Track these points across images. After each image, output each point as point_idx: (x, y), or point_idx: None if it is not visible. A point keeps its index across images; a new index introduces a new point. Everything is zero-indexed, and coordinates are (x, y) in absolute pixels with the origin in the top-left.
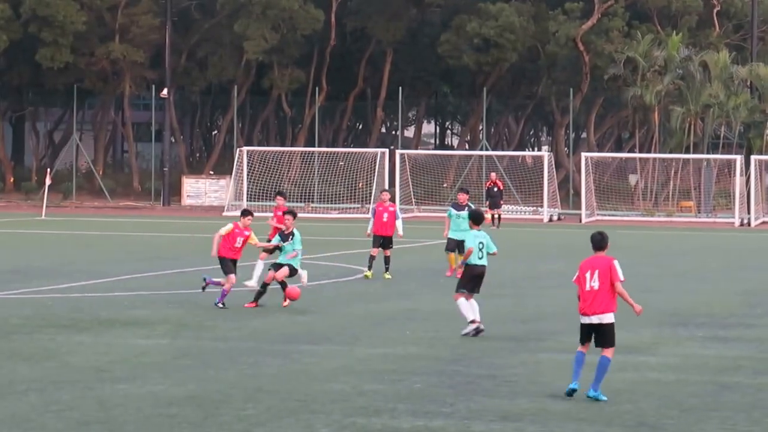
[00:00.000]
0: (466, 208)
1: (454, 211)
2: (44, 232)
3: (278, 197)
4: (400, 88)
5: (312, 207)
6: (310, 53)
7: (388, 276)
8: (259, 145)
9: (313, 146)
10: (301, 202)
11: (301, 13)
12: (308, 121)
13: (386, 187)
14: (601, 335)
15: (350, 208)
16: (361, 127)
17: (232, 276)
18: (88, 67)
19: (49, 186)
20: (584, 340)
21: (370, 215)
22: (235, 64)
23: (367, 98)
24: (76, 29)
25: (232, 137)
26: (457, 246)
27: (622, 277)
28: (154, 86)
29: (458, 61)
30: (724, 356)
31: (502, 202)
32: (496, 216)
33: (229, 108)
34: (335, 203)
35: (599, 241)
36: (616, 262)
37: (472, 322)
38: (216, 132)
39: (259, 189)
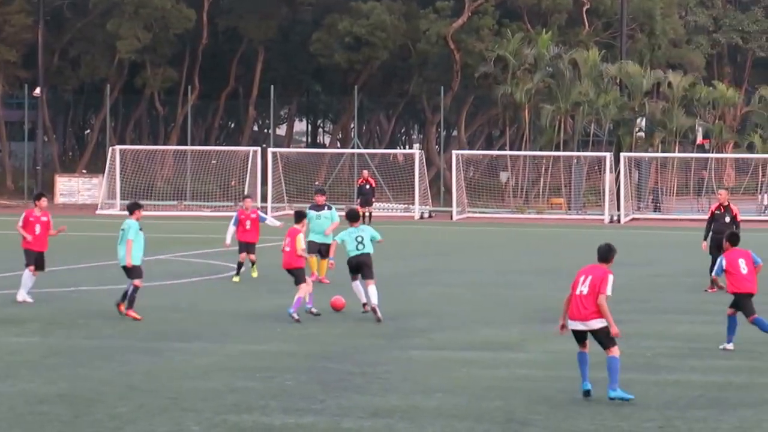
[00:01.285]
0: (325, 208)
1: (313, 213)
2: None
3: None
4: (272, 86)
5: (185, 205)
6: (182, 52)
7: (255, 274)
8: (132, 144)
9: (186, 145)
10: (173, 200)
11: (173, 13)
12: (181, 119)
13: (256, 186)
14: (598, 339)
15: (223, 206)
16: (233, 125)
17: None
18: None
19: None
20: (578, 342)
21: (231, 223)
22: (107, 63)
23: (239, 97)
24: None
25: (104, 136)
26: (319, 249)
27: (609, 292)
28: (27, 85)
29: (330, 59)
30: (593, 352)
31: (374, 200)
32: (368, 213)
33: (102, 107)
34: (208, 201)
35: (605, 252)
36: (610, 276)
37: (364, 305)
38: (89, 131)
39: (132, 187)
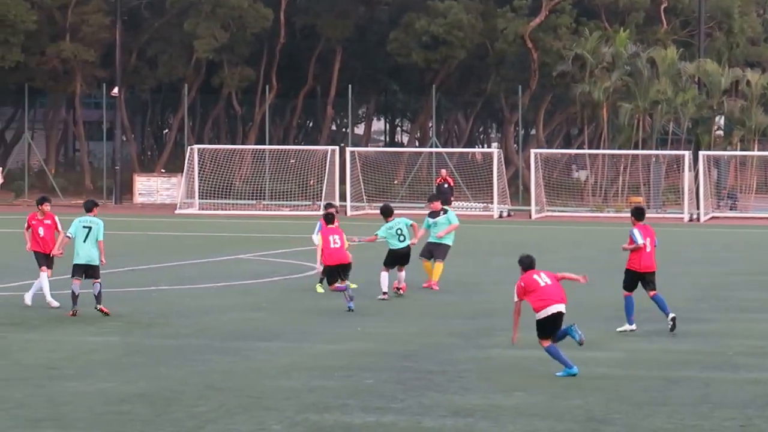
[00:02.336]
0: (441, 213)
1: (430, 219)
2: None
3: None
4: (350, 85)
5: (263, 204)
6: (259, 51)
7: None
8: (210, 143)
9: (264, 144)
10: (252, 199)
11: (250, 12)
12: (258, 118)
13: (334, 185)
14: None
15: (301, 205)
16: (311, 124)
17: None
18: (39, 66)
19: (0, 184)
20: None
21: (316, 241)
22: (185, 62)
23: (317, 96)
24: (26, 28)
25: (183, 135)
26: (430, 251)
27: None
28: (105, 85)
29: (407, 58)
30: (672, 351)
31: (452, 199)
32: None
33: (180, 106)
34: (286, 200)
35: (530, 263)
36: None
37: (384, 293)
38: (167, 130)
39: (210, 187)
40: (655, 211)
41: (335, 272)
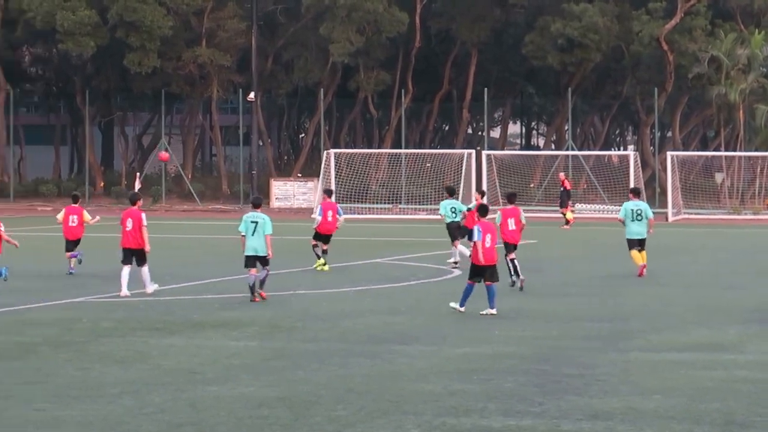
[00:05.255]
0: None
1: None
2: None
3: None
4: (486, 88)
5: (400, 208)
6: (395, 55)
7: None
8: (346, 147)
9: (400, 148)
10: (388, 203)
11: (385, 16)
12: (395, 122)
13: (470, 188)
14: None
15: (438, 209)
16: (447, 128)
17: None
18: (175, 71)
19: (138, 190)
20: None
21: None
22: (320, 66)
23: (453, 99)
24: (162, 34)
25: (319, 140)
26: (639, 242)
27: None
28: (241, 90)
29: (543, 61)
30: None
31: (570, 202)
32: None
33: (316, 110)
34: (423, 204)
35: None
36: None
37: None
38: (303, 134)
39: (347, 190)
40: None
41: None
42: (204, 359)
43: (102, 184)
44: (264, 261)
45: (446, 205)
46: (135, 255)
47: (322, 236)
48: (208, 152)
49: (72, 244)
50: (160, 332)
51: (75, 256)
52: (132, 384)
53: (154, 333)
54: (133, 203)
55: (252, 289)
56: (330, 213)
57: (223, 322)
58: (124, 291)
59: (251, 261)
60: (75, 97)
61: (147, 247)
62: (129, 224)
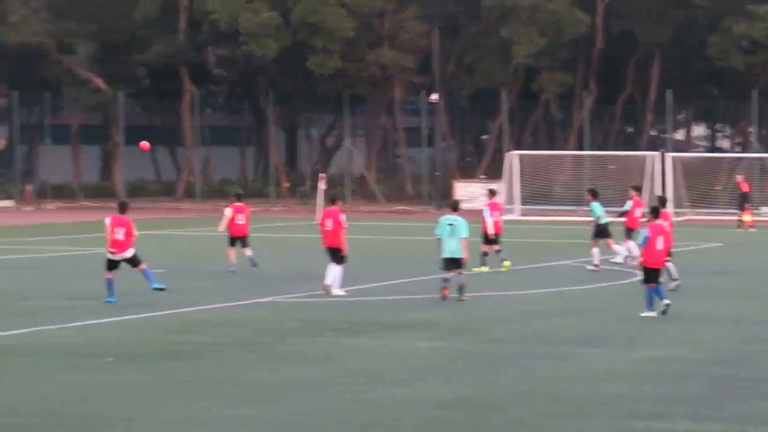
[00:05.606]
0: None
1: None
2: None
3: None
4: (669, 90)
5: (584, 210)
6: (576, 56)
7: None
8: (528, 149)
9: (583, 149)
10: (572, 205)
11: (567, 17)
12: (577, 124)
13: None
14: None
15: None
16: (631, 130)
17: None
18: (358, 73)
19: (323, 191)
20: None
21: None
22: (502, 68)
23: (636, 101)
24: (344, 36)
25: (501, 141)
26: None
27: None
28: (423, 91)
29: (727, 63)
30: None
31: (747, 205)
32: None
33: (498, 112)
34: (607, 207)
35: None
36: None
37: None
38: (486, 136)
39: (530, 192)
40: None
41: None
42: (390, 360)
43: (287, 184)
44: (459, 264)
45: (597, 207)
46: (332, 254)
47: (490, 238)
48: (392, 153)
49: (237, 241)
50: (346, 333)
51: (251, 257)
52: (318, 384)
53: (340, 333)
54: (333, 203)
55: (460, 290)
56: (496, 213)
57: (408, 323)
58: (337, 291)
59: (448, 264)
60: (259, 98)
61: (344, 249)
62: (329, 224)
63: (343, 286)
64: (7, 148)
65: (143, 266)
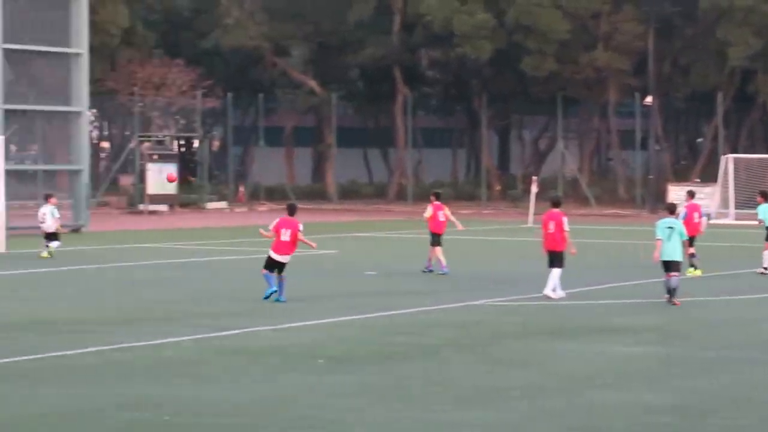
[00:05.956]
0: None
1: None
2: (531, 239)
3: None
4: None
5: None
6: None
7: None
8: (745, 152)
9: None
10: None
11: None
12: None
13: None
14: None
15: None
16: None
17: None
18: (571, 75)
19: (535, 193)
20: None
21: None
22: (717, 70)
23: None
24: (559, 38)
25: (717, 144)
26: None
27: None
28: (637, 94)
29: None
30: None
31: None
32: None
33: (714, 115)
34: None
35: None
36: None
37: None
38: (701, 139)
39: (745, 197)
40: None
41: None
42: (601, 365)
43: (498, 187)
44: (677, 267)
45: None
46: (554, 257)
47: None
48: (604, 156)
49: (438, 239)
50: (559, 337)
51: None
52: (530, 388)
53: (553, 337)
54: (556, 206)
55: (671, 292)
56: (695, 215)
57: (620, 327)
58: (558, 293)
59: (668, 266)
60: (472, 100)
61: (572, 250)
62: (551, 227)
63: (561, 288)
64: (221, 150)
65: (284, 279)
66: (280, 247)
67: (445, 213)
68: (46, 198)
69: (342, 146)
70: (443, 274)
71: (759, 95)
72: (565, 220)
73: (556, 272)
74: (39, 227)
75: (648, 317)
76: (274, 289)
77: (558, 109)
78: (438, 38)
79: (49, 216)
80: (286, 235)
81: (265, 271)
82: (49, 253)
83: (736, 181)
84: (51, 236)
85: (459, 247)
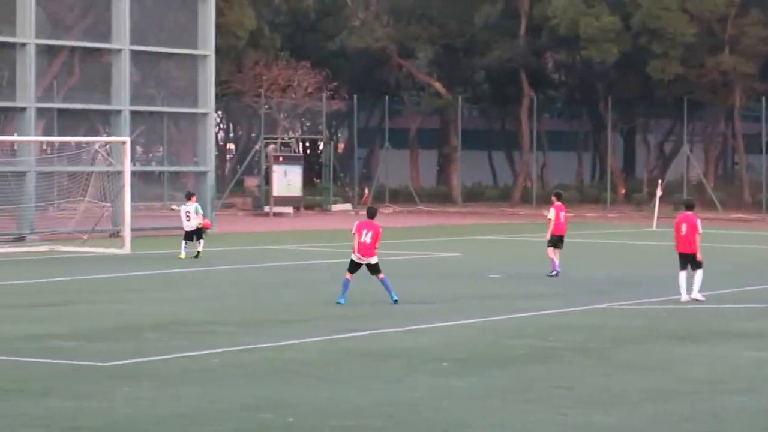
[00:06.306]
0: None
1: None
2: (655, 243)
3: None
4: None
5: None
6: None
7: None
8: None
9: None
10: None
11: None
12: None
13: None
14: None
15: None
16: None
17: None
18: (697, 78)
19: (660, 197)
20: None
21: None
22: None
23: None
24: (685, 41)
25: None
26: None
27: None
28: (763, 98)
29: None
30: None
31: None
32: None
33: None
34: None
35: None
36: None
37: None
38: None
39: None
40: None
41: None
42: (727, 369)
43: (623, 191)
44: None
45: None
46: (688, 260)
47: None
48: (730, 160)
49: (559, 240)
50: (683, 341)
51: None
52: (653, 392)
53: (677, 341)
54: (690, 208)
55: None
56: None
57: (745, 332)
58: (684, 296)
59: None
60: (597, 103)
61: (698, 255)
62: (683, 228)
63: (701, 290)
64: (346, 152)
65: (382, 276)
66: (362, 249)
67: (565, 214)
68: (188, 197)
69: (466, 148)
70: (554, 275)
71: None
72: (698, 222)
73: (700, 274)
74: (172, 227)
75: None
76: (343, 301)
77: (683, 112)
78: (564, 41)
79: (193, 214)
80: (367, 237)
81: (348, 276)
82: (198, 253)
83: None
84: (192, 235)
85: (584, 250)
